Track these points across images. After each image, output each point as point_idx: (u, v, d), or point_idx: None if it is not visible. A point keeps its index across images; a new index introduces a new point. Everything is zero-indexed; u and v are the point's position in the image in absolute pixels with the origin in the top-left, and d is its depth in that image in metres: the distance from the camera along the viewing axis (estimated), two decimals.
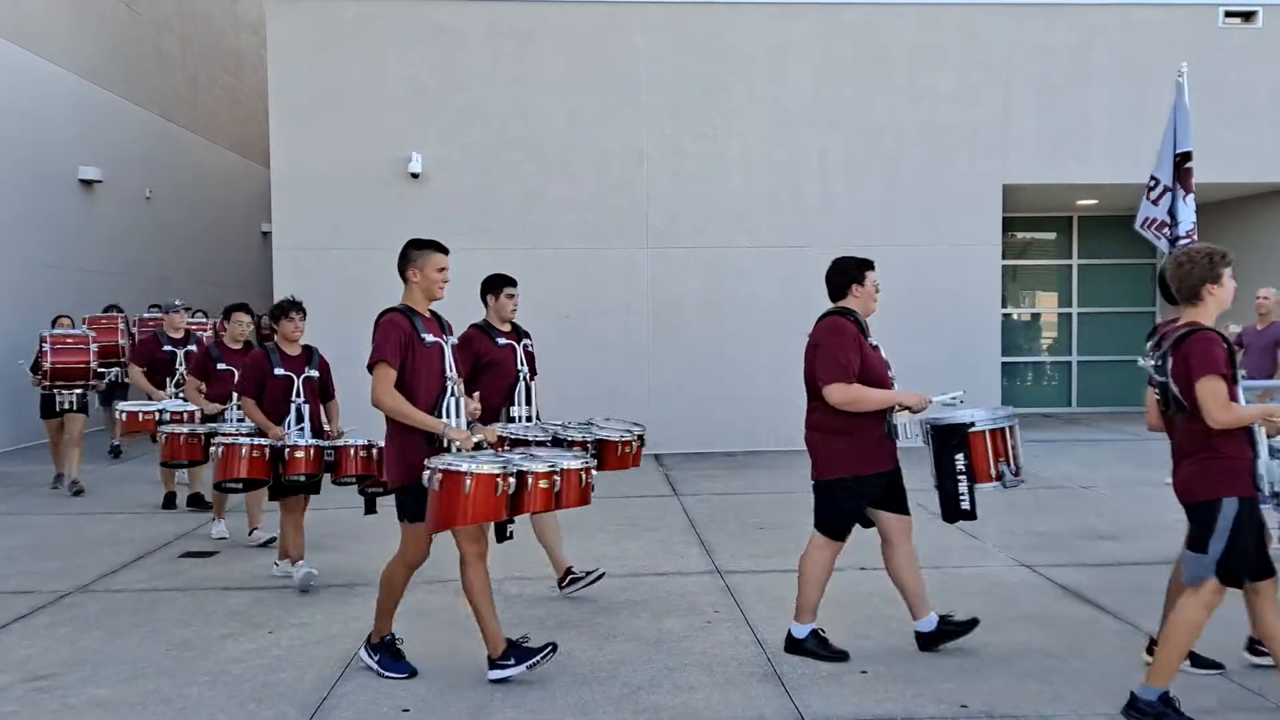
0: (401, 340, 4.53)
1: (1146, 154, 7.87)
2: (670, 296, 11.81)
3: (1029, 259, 15.71)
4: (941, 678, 4.58)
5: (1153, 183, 7.05)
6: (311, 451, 5.98)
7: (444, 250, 4.92)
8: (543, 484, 4.31)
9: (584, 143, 11.86)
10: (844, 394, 4.67)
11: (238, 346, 7.59)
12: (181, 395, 8.41)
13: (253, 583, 6.39)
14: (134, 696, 4.51)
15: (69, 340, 9.66)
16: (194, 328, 10.60)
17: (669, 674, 4.68)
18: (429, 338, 4.64)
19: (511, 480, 4.20)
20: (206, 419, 7.53)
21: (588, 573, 6.04)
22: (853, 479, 4.76)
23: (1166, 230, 6.98)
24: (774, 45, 12.04)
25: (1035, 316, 15.97)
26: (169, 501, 8.86)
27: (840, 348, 4.77)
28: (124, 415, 7.97)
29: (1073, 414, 15.12)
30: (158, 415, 7.88)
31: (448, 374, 4.65)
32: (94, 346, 9.64)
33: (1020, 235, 15.40)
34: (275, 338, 6.48)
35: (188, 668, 4.86)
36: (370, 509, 5.50)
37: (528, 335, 6.26)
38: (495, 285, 6.37)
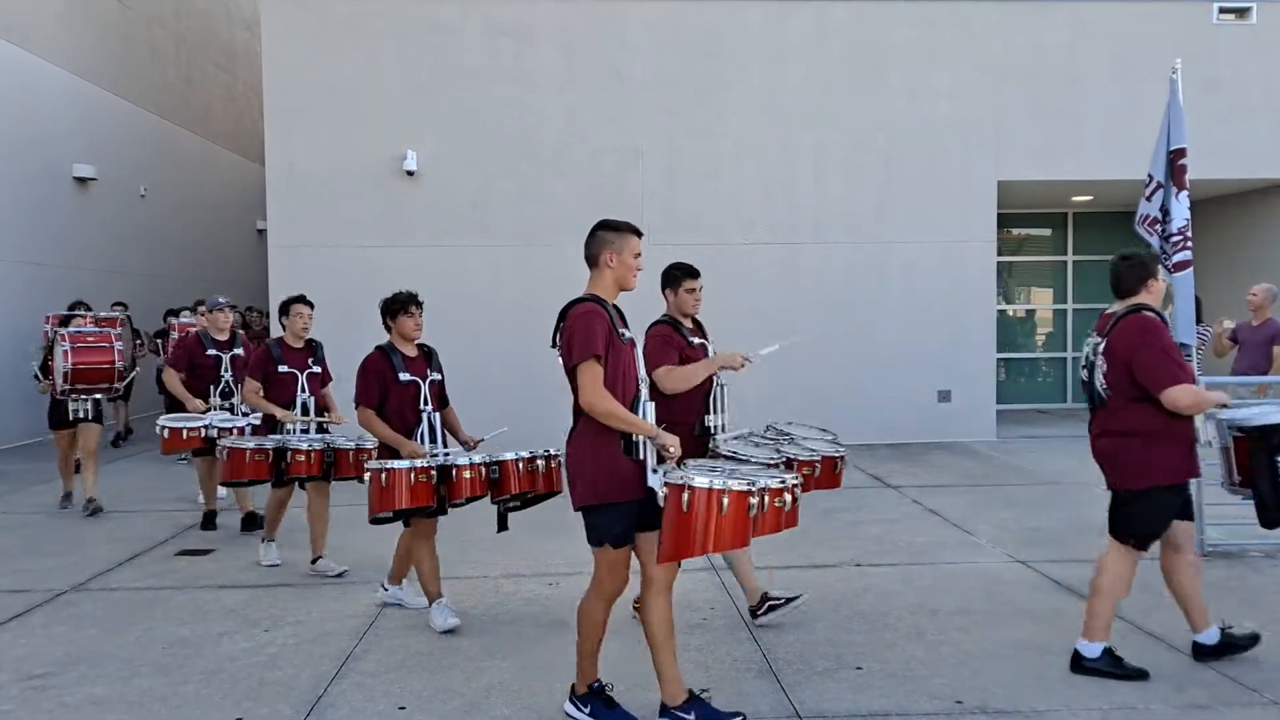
0: (606, 334, 3.93)
1: (1141, 151, 7.88)
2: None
3: (1024, 255, 15.73)
4: (935, 673, 4.59)
5: (1149, 180, 7.06)
6: (481, 470, 5.15)
7: (640, 234, 4.25)
8: (776, 503, 3.73)
9: (580, 140, 11.86)
10: (1191, 397, 4.30)
11: (299, 345, 6.70)
12: (226, 406, 7.75)
13: (249, 581, 6.39)
14: (130, 695, 4.51)
15: (90, 338, 8.63)
16: (183, 328, 10.36)
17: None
18: (625, 333, 4.08)
19: (759, 500, 3.66)
20: (267, 430, 6.71)
21: (789, 598, 5.34)
22: (1176, 486, 4.45)
23: (1158, 226, 6.98)
24: (769, 42, 12.05)
25: (1030, 313, 15.99)
26: (209, 521, 7.92)
27: (1170, 347, 4.39)
28: (165, 432, 7.22)
29: (1068, 410, 15.14)
30: (203, 432, 7.30)
31: (640, 373, 4.09)
32: (119, 345, 8.71)
33: (1015, 231, 15.41)
34: (391, 337, 5.62)
35: (184, 666, 4.86)
36: (503, 525, 5.14)
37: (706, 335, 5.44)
38: (674, 278, 5.46)
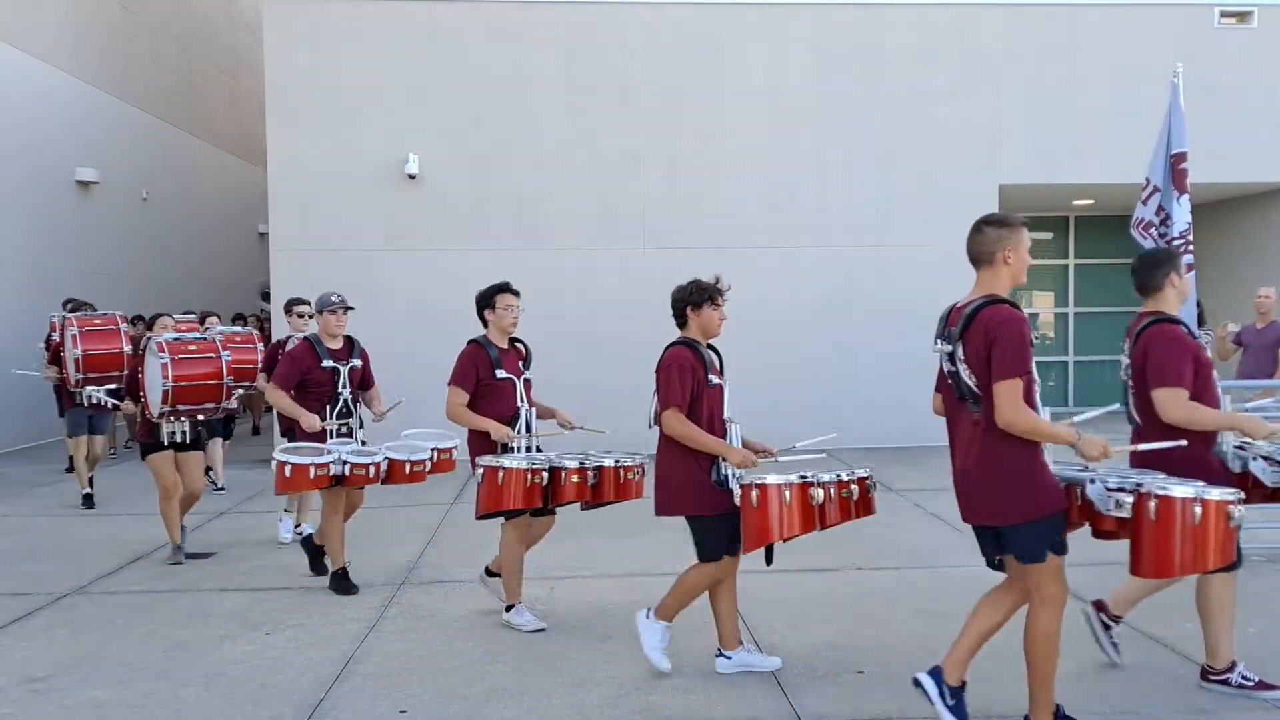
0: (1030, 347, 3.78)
1: (1142, 154, 7.87)
2: (667, 297, 11.77)
3: None
4: None
5: (1145, 183, 7.07)
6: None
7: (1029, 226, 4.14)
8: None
9: (581, 144, 11.86)
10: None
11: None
12: (344, 429, 6.21)
13: (250, 584, 6.39)
14: (131, 698, 4.51)
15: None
16: (187, 328, 10.04)
17: (666, 675, 4.68)
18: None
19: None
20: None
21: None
22: None
23: (1154, 230, 6.98)
24: (770, 45, 12.05)
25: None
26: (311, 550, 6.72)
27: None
28: (288, 470, 5.69)
29: (1069, 413, 15.07)
30: (331, 469, 5.76)
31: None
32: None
33: None
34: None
35: (185, 669, 4.86)
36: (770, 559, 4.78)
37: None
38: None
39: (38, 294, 13.38)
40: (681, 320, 4.87)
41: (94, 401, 8.30)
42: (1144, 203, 7.06)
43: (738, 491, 4.33)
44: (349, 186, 11.63)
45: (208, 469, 9.71)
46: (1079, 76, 12.29)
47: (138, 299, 14.38)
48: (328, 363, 6.12)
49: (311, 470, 5.70)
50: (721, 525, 4.46)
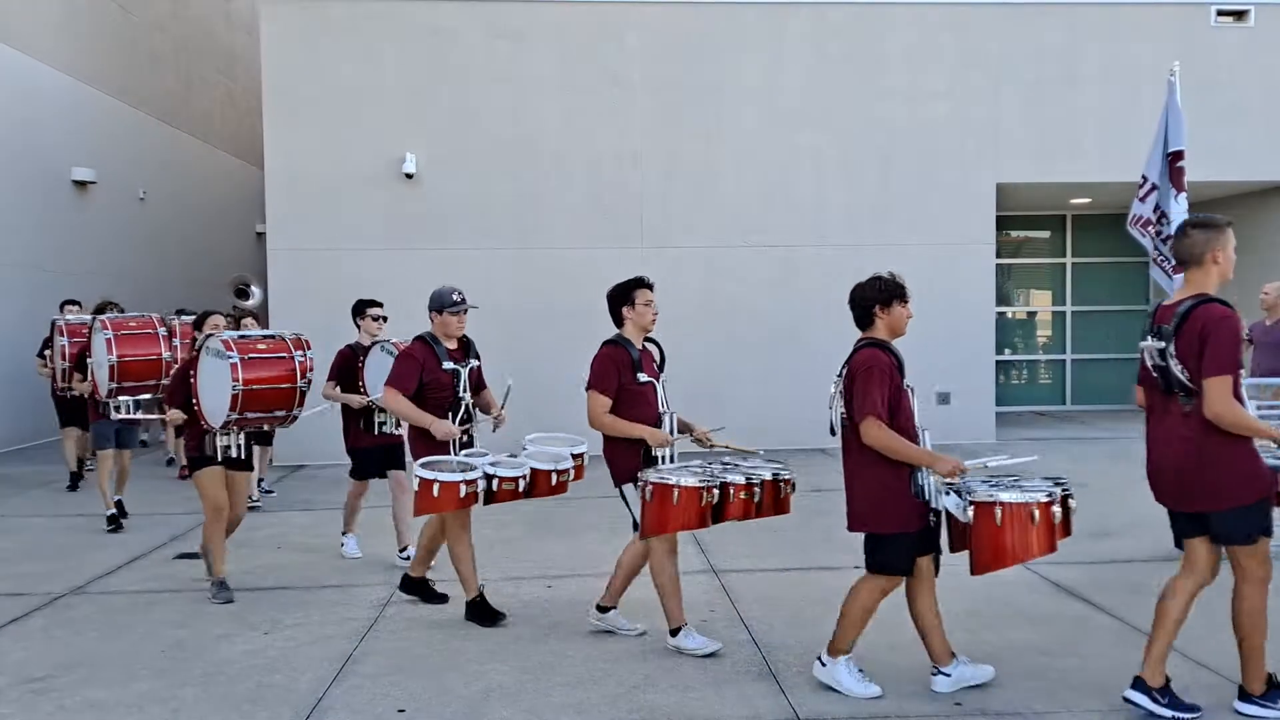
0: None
1: (1139, 153, 7.88)
2: (664, 296, 11.70)
3: (1023, 258, 15.74)
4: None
5: (1142, 181, 7.08)
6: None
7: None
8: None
9: (578, 143, 11.86)
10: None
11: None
12: (466, 437, 5.61)
13: (248, 584, 6.38)
14: (129, 698, 4.51)
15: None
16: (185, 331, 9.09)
17: (665, 673, 4.69)
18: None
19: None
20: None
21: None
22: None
23: (1152, 228, 7.00)
24: (767, 45, 12.05)
25: (1030, 315, 16.00)
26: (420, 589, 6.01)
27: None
28: (436, 489, 5.05)
29: (1066, 412, 15.15)
30: (480, 485, 5.16)
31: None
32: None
33: (1014, 234, 15.42)
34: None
35: (183, 669, 4.86)
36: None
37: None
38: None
39: (34, 294, 13.37)
40: (867, 320, 4.52)
41: (124, 412, 7.75)
42: (1141, 200, 7.07)
43: (953, 505, 4.20)
44: (346, 186, 11.62)
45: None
46: (1076, 75, 12.30)
47: (135, 299, 14.35)
48: (448, 364, 5.48)
49: (462, 488, 5.05)
50: (912, 541, 4.30)
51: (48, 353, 9.72)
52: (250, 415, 5.84)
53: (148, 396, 7.74)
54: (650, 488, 4.63)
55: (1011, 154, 12.29)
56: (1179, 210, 6.83)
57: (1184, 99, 7.09)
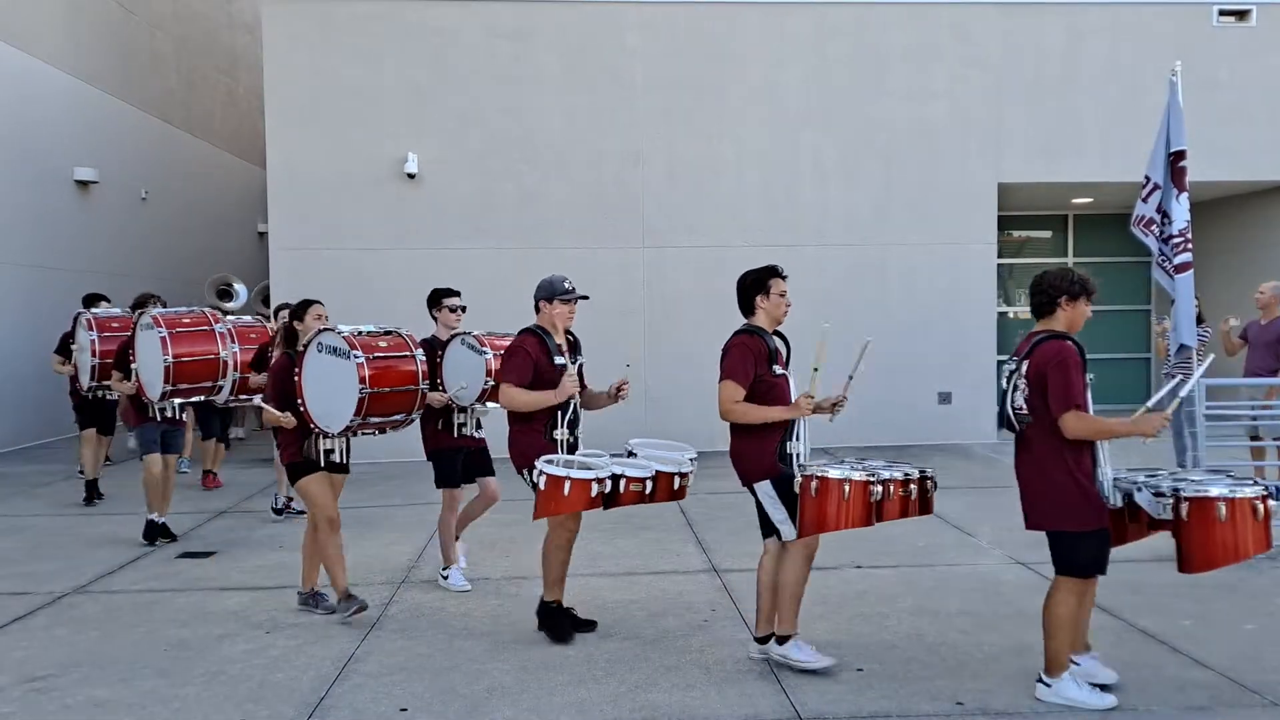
0: None
1: (1141, 152, 7.88)
2: (666, 296, 11.82)
3: (1025, 257, 15.74)
4: (935, 675, 4.60)
5: (1145, 181, 7.08)
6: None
7: None
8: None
9: (580, 143, 11.86)
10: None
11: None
12: (573, 437, 5.28)
13: (250, 583, 6.40)
14: (131, 697, 4.52)
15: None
16: (254, 331, 8.13)
17: (666, 672, 4.69)
18: None
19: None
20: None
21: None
22: None
23: (1155, 228, 7.00)
24: (768, 44, 12.06)
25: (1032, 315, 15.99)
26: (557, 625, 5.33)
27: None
28: (567, 487, 4.73)
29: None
30: (608, 486, 4.89)
31: None
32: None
33: (1016, 234, 15.42)
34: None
35: (185, 668, 4.87)
36: None
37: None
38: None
39: (37, 294, 13.39)
40: (1049, 309, 4.33)
41: (168, 415, 7.38)
42: (1144, 200, 7.08)
43: (1146, 502, 4.19)
44: (348, 185, 11.63)
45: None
46: (1078, 75, 12.30)
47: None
48: (559, 359, 5.14)
49: (594, 486, 4.73)
50: (1101, 539, 4.23)
51: (74, 347, 8.74)
52: (373, 420, 5.30)
53: (200, 399, 7.33)
54: (816, 483, 4.38)
55: (1013, 153, 12.29)
56: (1181, 210, 6.83)
57: (1185, 99, 7.08)
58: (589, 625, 5.33)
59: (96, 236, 14.91)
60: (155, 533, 7.52)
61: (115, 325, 8.07)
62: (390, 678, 4.70)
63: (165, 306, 7.98)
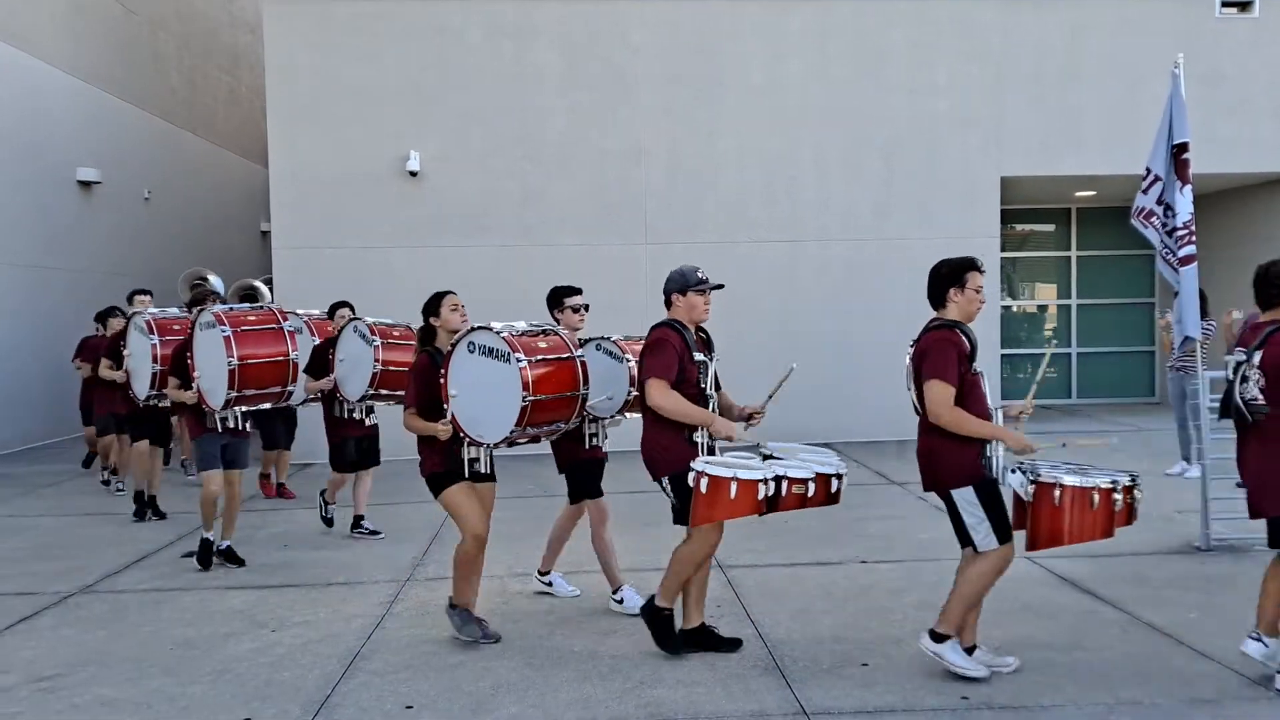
0: None
1: (1143, 145, 7.86)
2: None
3: (1028, 251, 15.71)
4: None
5: (1146, 173, 7.07)
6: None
7: None
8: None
9: (582, 140, 11.87)
10: None
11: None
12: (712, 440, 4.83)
13: (255, 582, 6.41)
14: (138, 696, 4.53)
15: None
16: (324, 323, 8.08)
17: (671, 669, 4.70)
18: None
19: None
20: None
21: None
22: None
23: (1155, 219, 6.99)
24: (769, 41, 12.05)
25: (1039, 309, 15.97)
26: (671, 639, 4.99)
27: None
28: (733, 490, 4.39)
29: (1072, 405, 15.13)
30: (775, 487, 4.53)
31: None
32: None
33: (1019, 227, 15.40)
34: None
35: (191, 667, 4.88)
36: None
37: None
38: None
39: (39, 294, 13.42)
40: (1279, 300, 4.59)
41: (231, 425, 6.51)
42: (1144, 192, 7.06)
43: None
44: (351, 184, 11.64)
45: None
46: (1079, 68, 12.27)
47: None
48: (698, 355, 4.75)
49: (761, 489, 4.36)
50: None
51: (126, 352, 7.93)
52: (530, 430, 4.75)
53: (267, 406, 6.67)
54: (1061, 492, 4.21)
55: (1015, 147, 12.27)
56: (1184, 202, 6.81)
57: (1188, 91, 7.07)
58: (732, 644, 4.85)
59: (99, 236, 14.94)
60: (208, 554, 6.70)
61: (176, 328, 7.41)
62: (396, 675, 4.70)
63: (224, 303, 7.59)
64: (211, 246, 18.50)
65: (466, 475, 4.93)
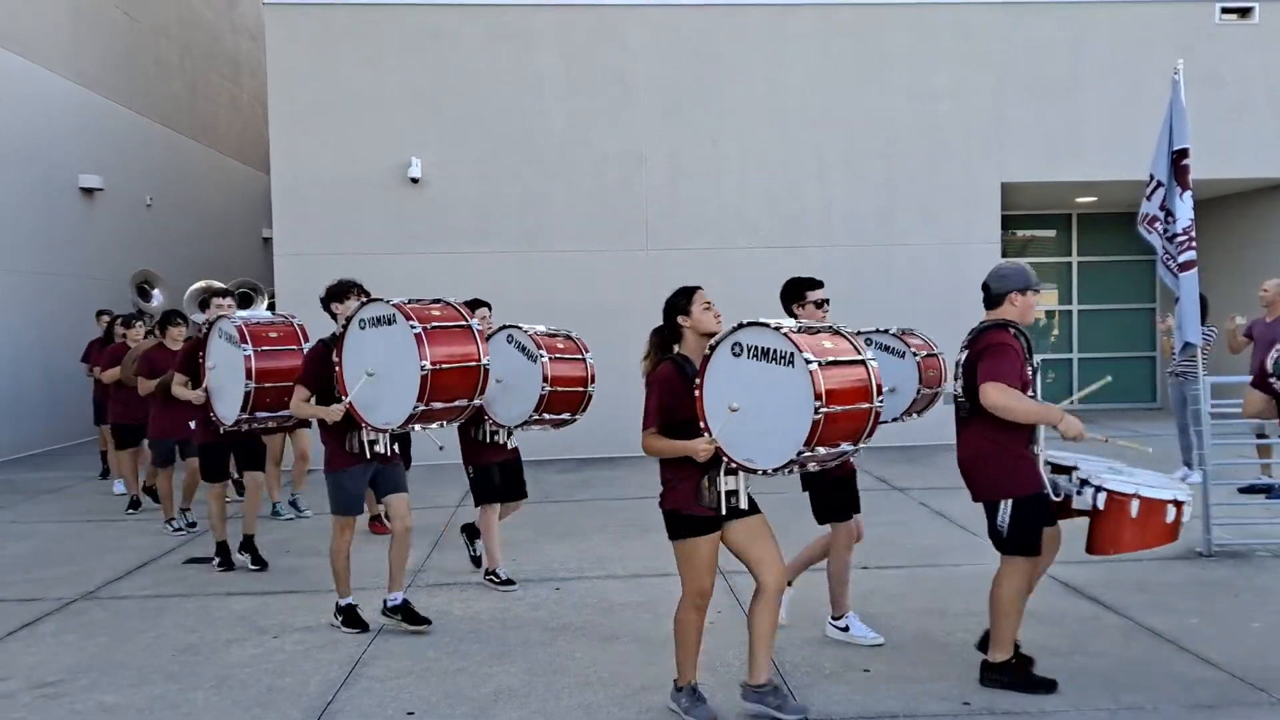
0: None
1: (1144, 151, 7.87)
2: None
3: (1029, 256, 15.71)
4: (943, 675, 4.59)
5: (1150, 179, 7.07)
6: None
7: None
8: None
9: (583, 145, 11.88)
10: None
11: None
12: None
13: (257, 588, 6.41)
14: (140, 702, 4.53)
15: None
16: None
17: (673, 674, 4.68)
18: None
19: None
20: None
21: None
22: None
23: (1158, 225, 6.99)
24: (770, 45, 12.07)
25: (1047, 314, 15.97)
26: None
27: None
28: (1171, 512, 4.34)
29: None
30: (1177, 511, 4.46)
31: None
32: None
33: (1020, 233, 15.40)
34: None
35: (193, 673, 4.88)
36: None
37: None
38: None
39: (42, 301, 13.44)
40: None
41: (380, 452, 5.39)
42: (1148, 198, 7.07)
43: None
44: (352, 190, 11.65)
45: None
46: (1080, 73, 12.29)
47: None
48: (1033, 361, 4.55)
49: (1185, 511, 4.24)
50: None
51: (209, 367, 6.53)
52: (822, 451, 3.81)
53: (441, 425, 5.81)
54: (1139, 503, 4.23)
55: (1016, 152, 12.29)
56: (1184, 208, 6.82)
57: (1188, 96, 7.07)
58: (1047, 685, 4.41)
59: (102, 243, 14.96)
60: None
61: (274, 335, 6.23)
62: (397, 681, 4.70)
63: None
64: (213, 253, 18.52)
65: (723, 512, 4.05)
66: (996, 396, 4.19)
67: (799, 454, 3.72)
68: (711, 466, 3.99)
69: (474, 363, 5.04)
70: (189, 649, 5.24)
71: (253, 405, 6.04)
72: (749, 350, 3.93)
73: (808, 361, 3.68)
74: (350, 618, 5.48)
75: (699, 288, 4.30)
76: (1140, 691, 4.35)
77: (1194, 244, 6.88)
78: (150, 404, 8.03)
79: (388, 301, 5.11)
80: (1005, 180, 12.29)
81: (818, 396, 3.65)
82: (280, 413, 6.14)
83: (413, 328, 4.90)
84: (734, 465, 3.91)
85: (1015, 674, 4.41)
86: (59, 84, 14.10)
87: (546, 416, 5.72)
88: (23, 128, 13.22)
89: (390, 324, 5.02)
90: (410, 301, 5.08)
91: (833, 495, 5.02)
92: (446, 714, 4.32)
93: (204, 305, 7.22)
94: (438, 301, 5.22)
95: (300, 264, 11.53)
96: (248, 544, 6.91)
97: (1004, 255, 13.01)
